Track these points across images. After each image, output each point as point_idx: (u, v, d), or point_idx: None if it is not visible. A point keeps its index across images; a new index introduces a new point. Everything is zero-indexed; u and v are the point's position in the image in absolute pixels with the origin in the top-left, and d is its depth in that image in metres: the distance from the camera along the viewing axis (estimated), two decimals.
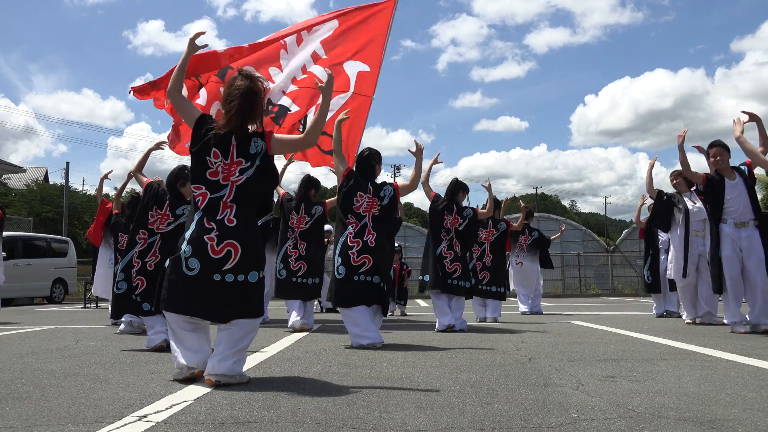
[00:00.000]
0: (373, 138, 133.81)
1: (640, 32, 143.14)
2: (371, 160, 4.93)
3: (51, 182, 39.61)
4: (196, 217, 3.12)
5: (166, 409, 2.44)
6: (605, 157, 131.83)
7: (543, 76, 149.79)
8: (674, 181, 7.06)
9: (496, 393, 2.73)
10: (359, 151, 5.18)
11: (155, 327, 4.64)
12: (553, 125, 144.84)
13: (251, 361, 3.83)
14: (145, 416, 2.32)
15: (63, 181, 32.47)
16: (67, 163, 29.98)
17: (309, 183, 6.44)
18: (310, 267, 6.27)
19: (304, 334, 5.82)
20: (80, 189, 44.64)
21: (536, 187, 66.82)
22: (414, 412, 2.37)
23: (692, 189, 6.90)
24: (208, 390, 2.84)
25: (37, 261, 15.05)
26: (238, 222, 3.08)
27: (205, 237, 3.04)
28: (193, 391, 2.82)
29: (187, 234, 3.10)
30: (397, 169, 49.63)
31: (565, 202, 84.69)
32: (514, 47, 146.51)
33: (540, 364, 3.67)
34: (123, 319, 6.00)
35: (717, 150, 5.72)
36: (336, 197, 5.02)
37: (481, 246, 7.61)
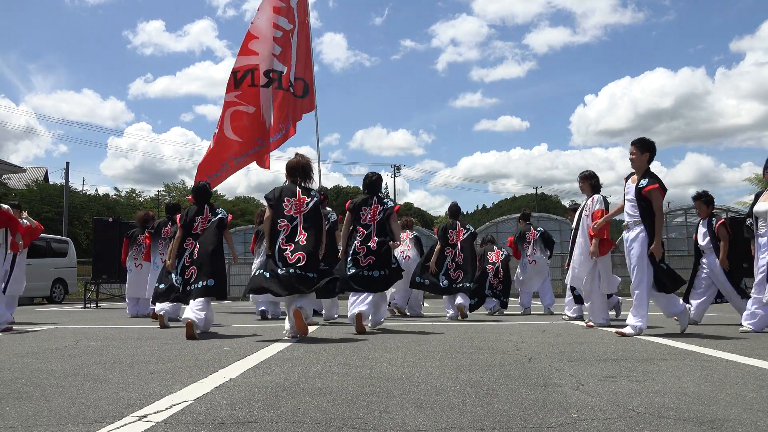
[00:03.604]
0: (373, 138, 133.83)
1: (641, 32, 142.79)
2: (370, 178, 6.41)
3: (51, 182, 39.66)
4: (279, 236, 5.37)
5: (166, 409, 2.44)
6: (606, 157, 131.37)
7: (543, 76, 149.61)
8: (580, 184, 6.94)
9: (496, 393, 2.73)
10: (367, 174, 6.45)
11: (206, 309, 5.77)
12: (553, 125, 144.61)
13: (251, 361, 3.84)
14: (145, 416, 2.32)
15: (63, 181, 32.51)
16: (67, 163, 30.08)
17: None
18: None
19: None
20: (80, 189, 44.67)
21: (536, 187, 67.04)
22: (414, 412, 2.37)
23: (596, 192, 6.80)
24: (208, 390, 2.84)
25: (37, 261, 15.03)
26: (307, 243, 5.33)
27: (284, 253, 5.31)
28: (193, 391, 2.82)
29: (275, 251, 5.34)
30: (397, 169, 49.68)
31: (565, 202, 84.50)
32: (514, 47, 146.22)
33: (540, 364, 3.67)
34: (158, 306, 6.71)
35: (631, 148, 5.58)
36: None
37: (453, 248, 8.20)
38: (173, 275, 6.13)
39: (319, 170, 9.54)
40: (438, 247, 8.16)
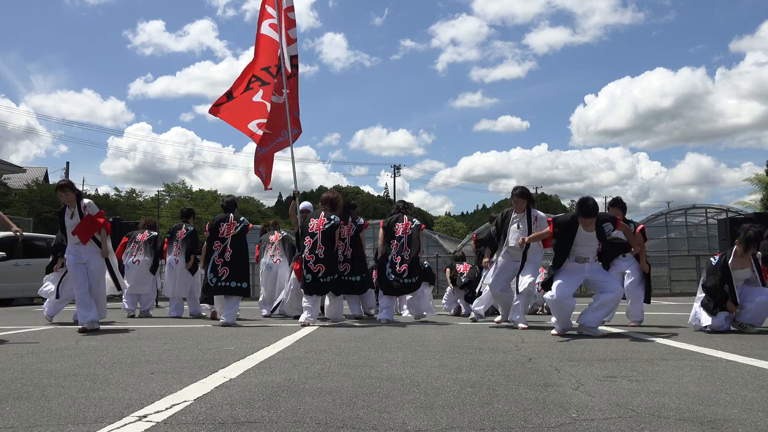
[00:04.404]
0: (373, 138, 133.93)
1: (641, 32, 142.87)
2: (398, 205, 7.95)
3: (51, 182, 39.64)
4: (305, 250, 6.84)
5: (166, 409, 2.44)
6: (606, 157, 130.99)
7: (543, 76, 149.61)
8: (519, 200, 6.69)
9: (496, 393, 2.74)
10: (396, 202, 8.08)
11: (233, 306, 7.06)
12: (553, 125, 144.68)
13: (251, 361, 3.84)
14: (145, 416, 2.32)
15: None
16: (67, 163, 30.22)
17: (349, 206, 8.26)
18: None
19: (304, 334, 5.82)
20: (80, 189, 44.70)
21: (536, 187, 66.70)
22: (414, 412, 2.37)
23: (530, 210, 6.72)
24: (209, 390, 2.84)
25: (37, 261, 14.98)
26: (325, 255, 6.80)
27: (308, 264, 6.78)
28: (193, 391, 2.82)
29: (302, 262, 6.82)
30: (397, 168, 49.80)
31: (566, 202, 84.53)
32: (514, 47, 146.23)
33: (540, 364, 3.67)
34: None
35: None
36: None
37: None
38: (208, 274, 7.10)
39: (294, 171, 9.27)
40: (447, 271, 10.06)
